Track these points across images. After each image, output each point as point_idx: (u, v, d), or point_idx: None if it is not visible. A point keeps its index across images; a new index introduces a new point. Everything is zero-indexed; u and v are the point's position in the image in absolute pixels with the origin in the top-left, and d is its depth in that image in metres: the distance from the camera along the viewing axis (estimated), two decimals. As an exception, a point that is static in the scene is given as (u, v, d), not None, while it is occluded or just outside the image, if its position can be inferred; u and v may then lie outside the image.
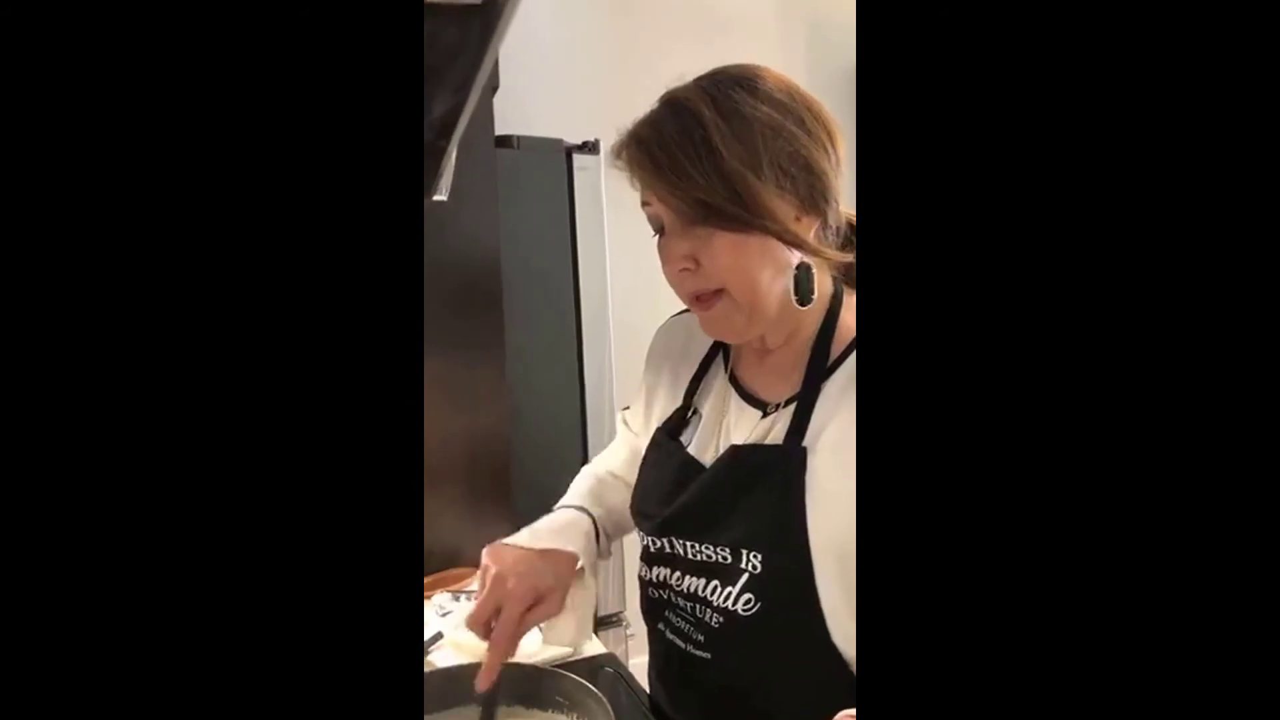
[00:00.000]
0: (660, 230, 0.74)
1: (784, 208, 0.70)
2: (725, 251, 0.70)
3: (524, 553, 0.81)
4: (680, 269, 0.72)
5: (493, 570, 0.78)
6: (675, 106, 0.71)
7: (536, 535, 0.84)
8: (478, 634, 0.78)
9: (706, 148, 0.67)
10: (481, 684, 0.75)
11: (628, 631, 2.11)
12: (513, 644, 0.77)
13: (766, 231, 0.69)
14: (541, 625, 0.84)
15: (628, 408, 1.00)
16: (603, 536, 0.91)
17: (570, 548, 0.83)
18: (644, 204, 0.74)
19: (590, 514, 0.90)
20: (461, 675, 0.79)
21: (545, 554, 0.81)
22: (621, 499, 0.93)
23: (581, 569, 0.84)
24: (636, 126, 0.73)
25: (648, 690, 0.93)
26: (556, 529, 0.86)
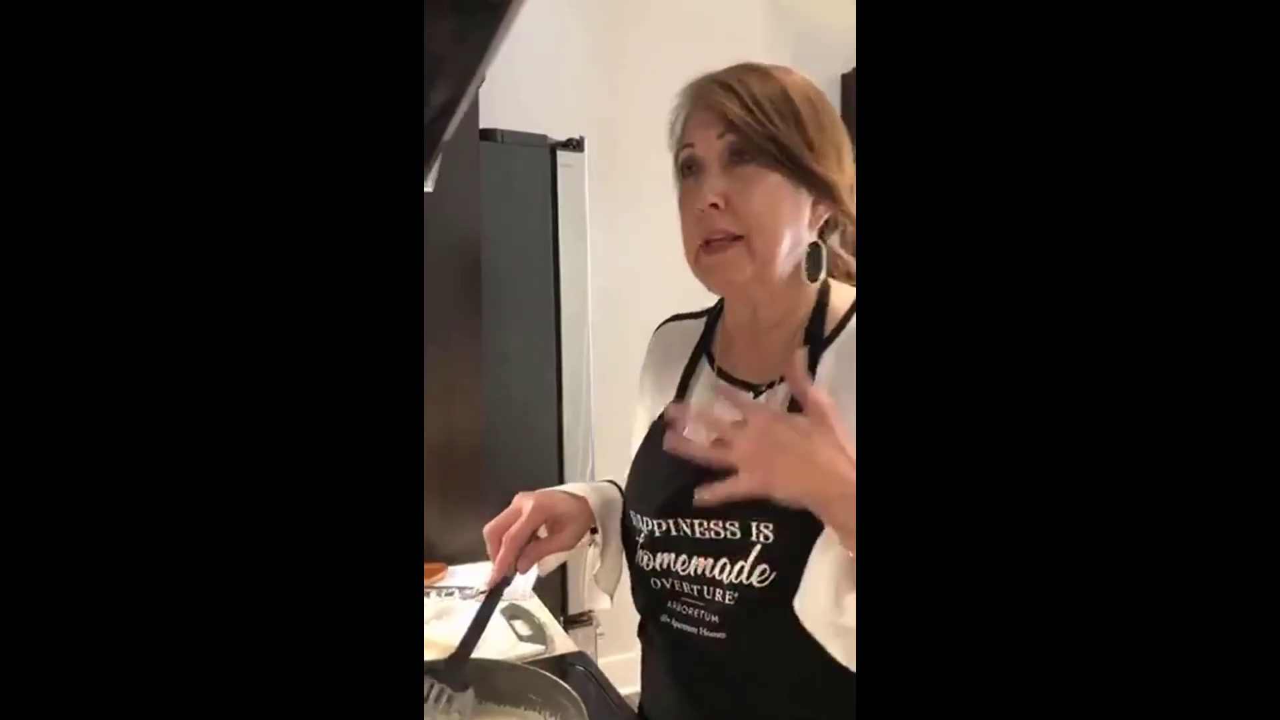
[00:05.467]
0: (693, 172, 0.77)
1: (845, 175, 0.75)
2: (762, 194, 0.73)
3: (553, 490, 0.90)
4: (710, 203, 0.74)
5: (520, 496, 0.85)
6: (757, 72, 0.75)
7: (568, 485, 0.93)
8: (490, 545, 0.83)
9: (790, 107, 0.73)
10: (490, 581, 0.82)
11: (598, 631, 2.11)
12: (519, 554, 0.82)
13: (827, 188, 0.74)
14: (596, 576, 0.93)
15: None
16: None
17: (591, 498, 0.91)
18: (685, 145, 0.76)
19: (618, 486, 0.96)
20: (430, 670, 0.78)
21: (569, 493, 0.90)
22: None
23: (595, 530, 0.91)
24: (716, 73, 0.77)
25: (639, 691, 0.91)
26: (584, 485, 0.94)
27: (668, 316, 0.94)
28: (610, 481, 0.97)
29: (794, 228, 0.74)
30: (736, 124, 0.73)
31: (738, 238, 0.73)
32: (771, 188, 0.73)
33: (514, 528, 0.81)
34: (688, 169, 0.77)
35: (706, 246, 0.75)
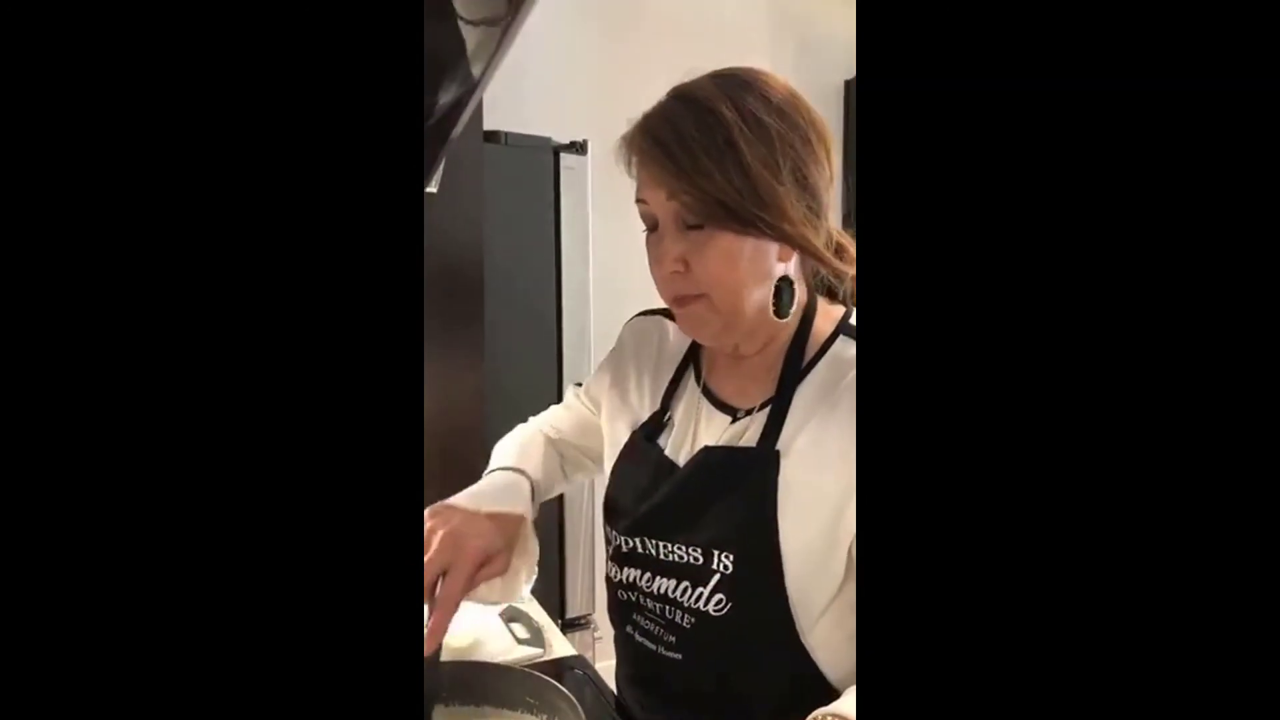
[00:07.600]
0: (653, 228, 0.74)
1: (798, 213, 0.70)
2: (716, 258, 0.70)
3: (472, 515, 0.79)
4: (671, 271, 0.72)
5: (440, 532, 0.75)
6: (693, 104, 0.70)
7: (481, 498, 0.83)
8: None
9: (729, 147, 0.67)
10: (428, 646, 0.71)
11: (595, 634, 2.11)
12: (457, 605, 0.73)
13: (782, 235, 0.70)
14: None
15: (580, 384, 1.01)
16: (537, 497, 0.90)
17: (518, 509, 0.83)
18: (639, 200, 0.74)
19: (528, 476, 0.90)
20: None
21: (493, 516, 0.80)
22: (546, 455, 0.95)
23: (525, 528, 0.83)
24: (648, 121, 0.72)
25: (615, 693, 0.93)
26: (499, 491, 0.85)
27: (642, 310, 0.91)
28: (516, 469, 0.90)
29: (758, 275, 0.72)
30: (678, 190, 0.69)
31: (703, 294, 0.72)
32: (725, 249, 0.70)
33: (448, 588, 0.71)
34: (647, 220, 0.75)
35: (677, 302, 0.75)
